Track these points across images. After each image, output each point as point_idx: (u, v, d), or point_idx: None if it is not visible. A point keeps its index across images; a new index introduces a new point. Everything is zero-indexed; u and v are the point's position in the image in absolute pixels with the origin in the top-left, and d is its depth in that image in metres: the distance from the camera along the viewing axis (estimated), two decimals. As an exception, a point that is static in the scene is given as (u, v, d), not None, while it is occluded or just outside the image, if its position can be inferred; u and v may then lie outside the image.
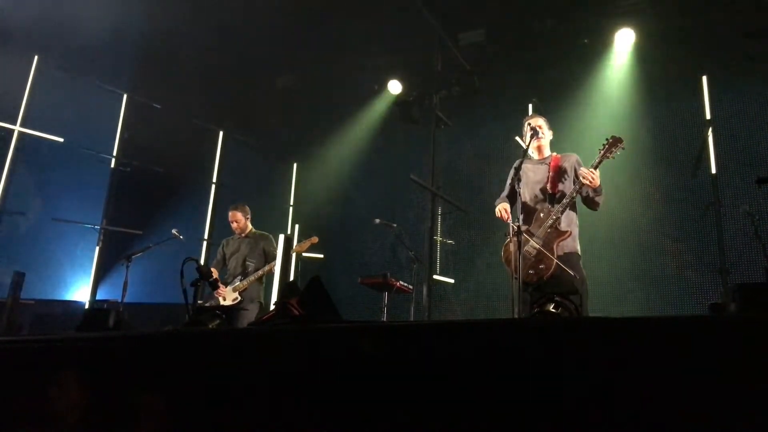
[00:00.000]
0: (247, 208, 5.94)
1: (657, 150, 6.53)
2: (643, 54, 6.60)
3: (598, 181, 3.76)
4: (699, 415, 1.37)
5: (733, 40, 6.24)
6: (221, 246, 6.00)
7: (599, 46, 6.72)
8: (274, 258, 5.62)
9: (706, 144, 6.21)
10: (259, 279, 5.66)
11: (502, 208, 4.06)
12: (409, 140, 8.45)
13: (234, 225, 5.87)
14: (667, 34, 6.44)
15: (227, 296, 5.55)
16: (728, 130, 6.39)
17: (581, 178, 3.77)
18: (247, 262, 5.70)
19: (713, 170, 6.22)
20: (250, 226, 5.91)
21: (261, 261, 5.70)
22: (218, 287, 5.44)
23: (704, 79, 6.55)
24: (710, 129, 6.28)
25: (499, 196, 4.35)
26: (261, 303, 5.68)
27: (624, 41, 6.54)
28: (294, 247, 5.51)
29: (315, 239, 5.69)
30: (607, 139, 3.85)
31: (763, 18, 5.99)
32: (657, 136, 6.60)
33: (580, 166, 4.04)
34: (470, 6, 6.76)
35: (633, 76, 6.70)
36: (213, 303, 5.50)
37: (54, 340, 2.70)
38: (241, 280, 5.59)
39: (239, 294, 5.56)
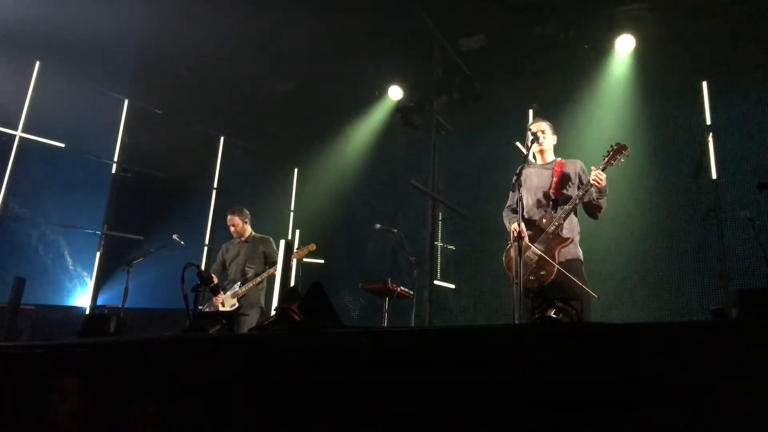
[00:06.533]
0: (246, 212, 5.91)
1: (657, 155, 6.53)
2: (644, 60, 6.60)
3: (604, 182, 3.74)
4: (701, 420, 1.37)
5: (733, 46, 6.25)
6: (221, 251, 5.97)
7: (600, 52, 6.72)
8: (274, 261, 5.59)
9: (707, 149, 6.21)
10: (259, 284, 5.62)
11: (515, 230, 3.76)
12: (410, 146, 8.46)
13: (232, 229, 5.85)
14: (668, 40, 6.45)
15: (226, 302, 5.52)
16: (729, 135, 6.39)
17: (593, 183, 3.73)
18: (247, 268, 5.66)
19: (714, 176, 6.23)
20: (249, 230, 5.89)
21: (261, 265, 5.67)
22: (219, 293, 5.43)
23: (704, 84, 6.56)
24: (711, 134, 6.28)
25: (505, 205, 4.32)
26: (262, 308, 5.62)
27: (624, 47, 6.53)
28: (292, 254, 5.48)
29: (313, 246, 5.65)
30: (612, 146, 3.82)
31: (763, 24, 6.00)
32: (657, 141, 6.60)
33: (584, 172, 4.04)
34: (471, 12, 6.77)
35: (633, 82, 6.70)
36: (210, 309, 5.48)
37: (55, 345, 2.70)
38: (240, 286, 5.57)
39: (238, 300, 5.53)
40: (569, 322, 2.28)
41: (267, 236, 5.90)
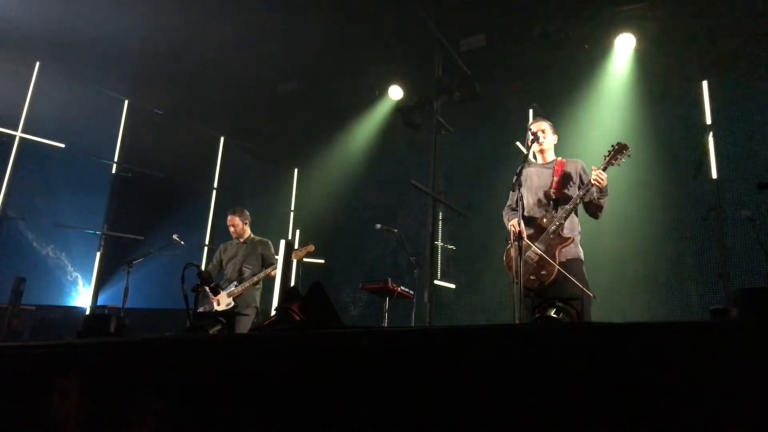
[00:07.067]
0: (246, 213, 5.91)
1: (658, 155, 6.52)
2: (644, 59, 6.60)
3: (605, 182, 3.75)
4: (701, 420, 1.37)
5: (733, 45, 6.25)
6: (218, 251, 5.98)
7: (600, 51, 6.72)
8: (271, 263, 5.62)
9: (707, 149, 6.21)
10: (255, 284, 5.62)
11: (514, 225, 3.82)
12: (410, 145, 8.46)
13: (232, 230, 5.85)
14: (668, 39, 6.45)
15: (221, 301, 5.52)
16: (729, 134, 6.39)
17: (594, 183, 3.73)
18: (244, 268, 5.66)
19: (714, 175, 6.22)
20: (248, 232, 5.89)
21: (258, 266, 5.67)
22: (219, 293, 5.43)
23: (704, 84, 6.55)
24: (711, 134, 6.28)
25: (505, 204, 4.32)
26: (257, 308, 5.62)
27: (624, 46, 6.54)
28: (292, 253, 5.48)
29: (311, 247, 5.63)
30: (612, 146, 3.82)
31: (764, 23, 6.00)
32: (658, 141, 6.59)
33: (585, 172, 4.04)
34: (471, 12, 6.77)
35: (633, 81, 6.70)
36: (207, 308, 5.48)
37: (55, 345, 2.70)
38: (236, 286, 5.57)
39: (233, 300, 5.53)
40: (569, 322, 2.28)
41: (266, 239, 5.90)
